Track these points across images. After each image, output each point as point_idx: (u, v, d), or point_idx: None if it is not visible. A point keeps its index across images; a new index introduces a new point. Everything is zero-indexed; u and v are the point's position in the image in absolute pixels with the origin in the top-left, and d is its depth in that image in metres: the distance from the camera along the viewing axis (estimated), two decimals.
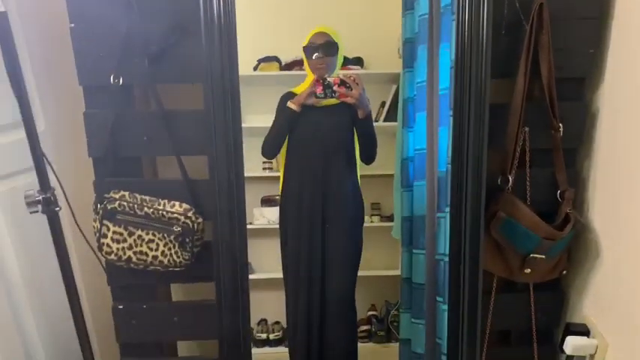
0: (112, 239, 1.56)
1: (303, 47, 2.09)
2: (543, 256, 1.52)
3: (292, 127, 2.15)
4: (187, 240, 1.55)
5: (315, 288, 2.18)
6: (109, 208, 1.54)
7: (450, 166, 1.52)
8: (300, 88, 2.16)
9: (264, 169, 3.28)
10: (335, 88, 1.92)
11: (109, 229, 1.55)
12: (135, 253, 1.56)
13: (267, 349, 3.05)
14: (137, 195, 1.57)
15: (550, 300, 1.68)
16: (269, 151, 2.19)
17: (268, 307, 3.24)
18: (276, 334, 3.09)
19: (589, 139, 1.56)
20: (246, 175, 3.25)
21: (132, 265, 1.58)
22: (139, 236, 1.55)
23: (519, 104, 1.49)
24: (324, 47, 2.05)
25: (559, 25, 1.47)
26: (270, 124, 3.27)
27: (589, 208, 1.56)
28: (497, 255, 1.57)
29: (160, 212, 1.54)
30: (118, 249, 1.56)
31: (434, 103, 1.87)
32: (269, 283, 3.21)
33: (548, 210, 1.56)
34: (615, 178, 1.44)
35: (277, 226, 3.21)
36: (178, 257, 1.56)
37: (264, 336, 3.07)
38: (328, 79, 1.92)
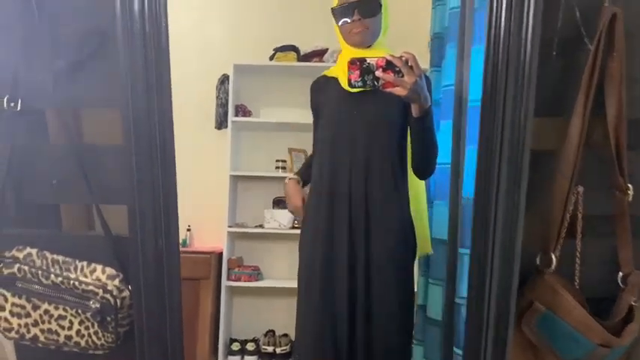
0: (12, 313, 1.18)
1: (332, 10, 1.54)
2: None
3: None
4: (109, 319, 1.15)
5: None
6: (5, 273, 1.16)
7: (470, 242, 1.09)
8: (334, 71, 1.64)
9: (276, 168, 3.11)
10: (378, 73, 1.27)
11: (6, 300, 1.18)
12: (42, 331, 1.18)
13: None
14: (47, 254, 1.18)
15: None
16: None
17: (276, 317, 3.08)
18: (283, 347, 2.86)
19: None
20: (257, 174, 3.03)
21: (40, 345, 1.20)
22: (46, 311, 1.17)
23: (574, 154, 1.08)
24: (360, 6, 1.48)
25: (637, 45, 1.03)
26: (284, 118, 3.04)
27: None
28: (532, 358, 1.15)
29: (72, 282, 1.14)
30: (19, 325, 1.19)
31: (462, 116, 1.59)
32: (278, 291, 3.04)
33: (601, 296, 1.16)
34: None
35: (289, 230, 2.88)
36: (99, 339, 1.17)
37: (270, 349, 2.86)
38: (369, 60, 1.28)
